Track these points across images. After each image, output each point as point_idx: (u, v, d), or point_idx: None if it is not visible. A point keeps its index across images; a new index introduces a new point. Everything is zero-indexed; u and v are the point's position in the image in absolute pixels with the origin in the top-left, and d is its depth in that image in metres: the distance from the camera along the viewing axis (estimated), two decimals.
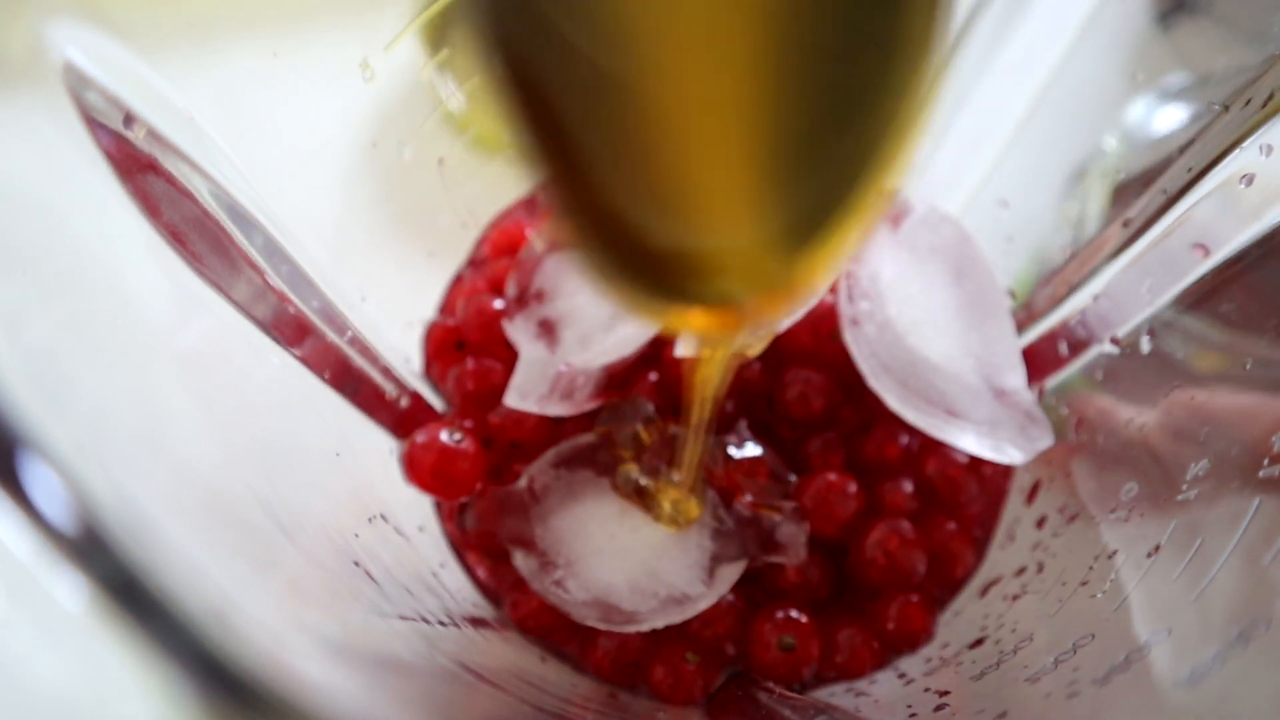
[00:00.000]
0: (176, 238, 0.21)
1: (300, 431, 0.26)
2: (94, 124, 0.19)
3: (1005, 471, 0.33)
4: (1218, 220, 0.26)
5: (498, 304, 0.34)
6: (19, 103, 0.18)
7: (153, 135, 0.21)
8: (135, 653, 0.12)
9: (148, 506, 0.14)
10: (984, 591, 0.31)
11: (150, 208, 0.20)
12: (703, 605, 0.28)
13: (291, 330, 0.26)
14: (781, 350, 0.32)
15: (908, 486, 0.32)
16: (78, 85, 0.19)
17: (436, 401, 0.34)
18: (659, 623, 0.28)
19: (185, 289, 0.22)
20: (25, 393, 0.13)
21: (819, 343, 0.33)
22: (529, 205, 0.38)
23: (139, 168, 0.21)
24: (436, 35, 0.31)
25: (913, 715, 0.27)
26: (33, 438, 0.13)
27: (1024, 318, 0.34)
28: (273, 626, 0.16)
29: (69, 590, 0.12)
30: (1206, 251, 0.26)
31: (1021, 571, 0.29)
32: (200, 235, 0.22)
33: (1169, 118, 0.30)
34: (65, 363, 0.16)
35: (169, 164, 0.22)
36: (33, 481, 0.12)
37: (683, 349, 0.28)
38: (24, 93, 0.18)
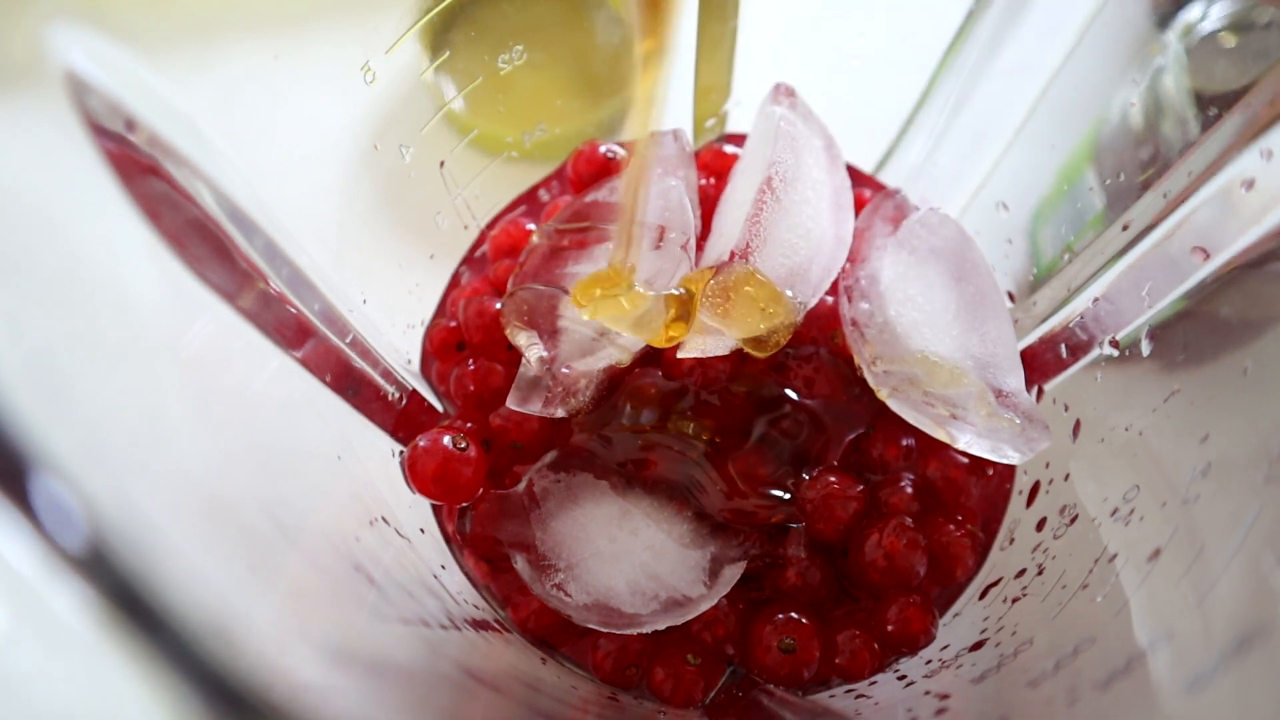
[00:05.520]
0: (177, 241, 0.21)
1: (301, 435, 0.26)
2: (95, 128, 0.19)
3: (1006, 473, 0.33)
4: (1218, 224, 0.26)
5: (498, 305, 0.34)
6: (20, 106, 0.18)
7: (154, 139, 0.21)
8: (139, 667, 0.12)
9: (149, 512, 0.14)
10: (984, 594, 0.31)
11: (151, 211, 0.20)
12: (703, 607, 0.28)
13: (292, 333, 0.26)
14: (784, 351, 0.32)
15: (909, 488, 0.32)
16: (79, 89, 0.19)
17: (436, 403, 0.34)
18: (660, 625, 0.28)
19: (186, 292, 0.21)
20: (26, 397, 0.13)
21: (821, 343, 0.33)
22: (529, 205, 0.38)
23: (140, 171, 0.20)
24: (437, 38, 0.31)
25: (913, 718, 0.27)
26: (34, 444, 0.13)
27: (1024, 319, 0.34)
28: (275, 634, 0.16)
29: (72, 605, 0.12)
30: (1206, 255, 0.26)
31: (1022, 574, 0.29)
32: (201, 238, 0.22)
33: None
34: (66, 367, 0.16)
35: (170, 167, 0.22)
36: (36, 492, 0.12)
37: None
38: (25, 96, 0.18)
